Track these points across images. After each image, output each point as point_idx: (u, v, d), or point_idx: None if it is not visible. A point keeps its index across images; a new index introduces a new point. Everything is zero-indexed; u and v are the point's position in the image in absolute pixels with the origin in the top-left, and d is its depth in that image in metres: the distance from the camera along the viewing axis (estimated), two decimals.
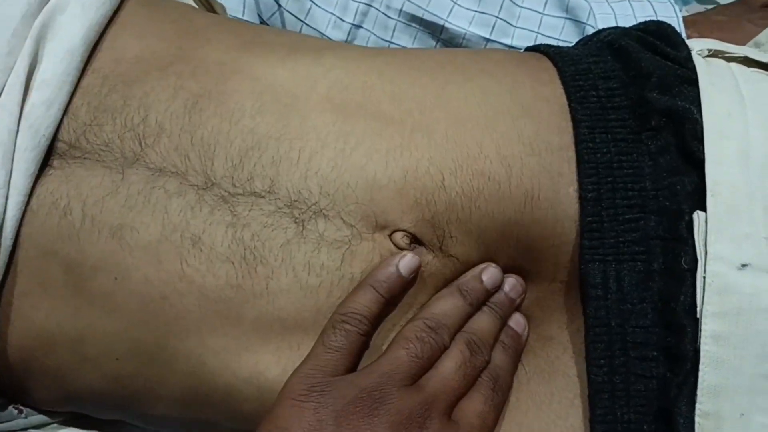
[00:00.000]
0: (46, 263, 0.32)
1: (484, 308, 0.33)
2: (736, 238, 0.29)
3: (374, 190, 0.32)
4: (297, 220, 0.32)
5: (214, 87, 0.33)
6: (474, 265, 0.33)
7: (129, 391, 0.33)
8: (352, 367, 0.31)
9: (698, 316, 0.29)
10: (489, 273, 0.33)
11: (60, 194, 0.32)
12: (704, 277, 0.29)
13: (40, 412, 0.36)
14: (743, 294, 0.29)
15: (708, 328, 0.28)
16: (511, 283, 0.34)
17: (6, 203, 0.31)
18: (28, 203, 0.31)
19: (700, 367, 0.28)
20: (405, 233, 0.32)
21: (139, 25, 0.36)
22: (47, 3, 0.33)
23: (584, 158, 0.32)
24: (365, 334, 0.31)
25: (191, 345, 0.32)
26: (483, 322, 0.33)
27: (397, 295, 0.32)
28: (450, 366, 0.31)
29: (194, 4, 0.46)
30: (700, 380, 0.28)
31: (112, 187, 0.32)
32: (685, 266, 0.30)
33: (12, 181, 0.31)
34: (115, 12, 0.36)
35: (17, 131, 0.31)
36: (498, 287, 0.33)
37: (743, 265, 0.29)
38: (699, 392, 0.28)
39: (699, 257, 0.29)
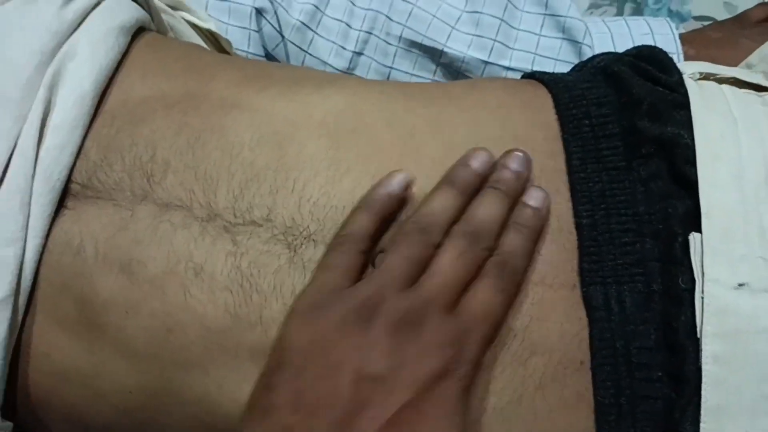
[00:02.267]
0: (62, 301, 0.33)
1: (483, 191, 0.31)
2: (732, 259, 0.30)
3: None
4: (290, 246, 0.32)
5: (216, 121, 0.35)
6: None
7: (139, 423, 0.34)
8: (353, 284, 0.30)
9: (698, 336, 0.29)
10: (476, 154, 0.32)
11: (73, 233, 0.33)
12: (702, 298, 0.29)
13: None
14: (741, 315, 0.29)
15: (708, 348, 0.29)
16: (513, 155, 0.32)
17: (24, 246, 0.32)
18: (44, 244, 0.32)
19: (702, 387, 0.29)
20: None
21: (146, 65, 0.37)
22: (58, 51, 0.34)
23: (577, 188, 0.33)
24: (363, 251, 0.31)
25: (195, 376, 0.32)
26: (480, 207, 0.31)
27: (391, 213, 0.32)
28: (445, 260, 0.30)
29: (202, 42, 0.47)
30: (702, 400, 0.28)
31: (122, 224, 0.33)
32: (684, 286, 0.30)
33: (30, 225, 0.32)
34: (124, 54, 0.37)
35: (33, 176, 0.32)
36: (493, 168, 0.32)
37: (740, 285, 0.29)
38: (702, 412, 0.28)
39: (696, 278, 0.30)
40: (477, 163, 0.32)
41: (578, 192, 0.33)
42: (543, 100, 0.36)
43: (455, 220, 0.31)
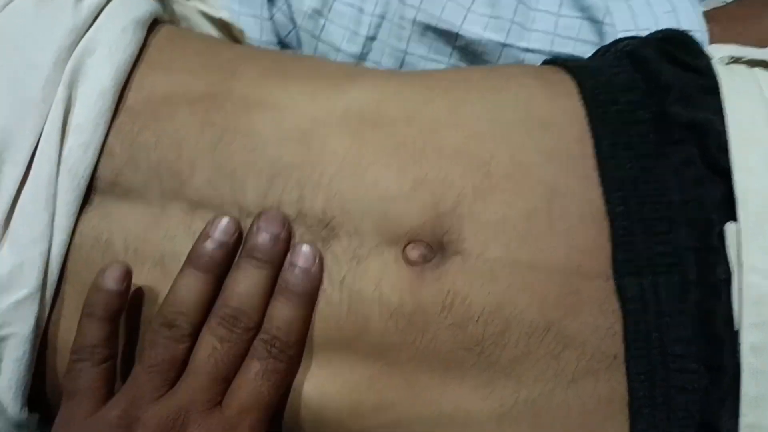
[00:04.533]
0: None
1: (237, 263, 0.30)
2: None
3: (386, 203, 0.32)
4: (323, 240, 0.32)
5: (238, 120, 0.34)
6: (495, 259, 0.30)
7: None
8: (106, 399, 0.29)
9: (736, 327, 0.29)
10: (217, 224, 0.30)
11: (101, 229, 0.33)
12: (740, 289, 0.29)
13: None
14: None
15: (747, 339, 0.28)
16: (264, 216, 0.30)
17: (50, 242, 0.32)
18: (71, 241, 0.33)
19: (742, 378, 0.28)
20: (415, 243, 0.32)
21: (167, 61, 0.37)
22: (76, 47, 0.34)
23: (608, 175, 0.32)
24: (104, 361, 0.30)
25: None
26: (236, 284, 0.29)
27: (117, 311, 0.30)
28: (200, 356, 0.29)
29: (214, 32, 0.47)
30: (742, 393, 0.28)
31: (153, 220, 0.33)
32: (721, 276, 0.30)
33: (55, 222, 0.32)
34: (142, 48, 0.37)
35: (57, 174, 0.32)
36: (239, 236, 0.30)
37: None
38: (741, 404, 0.28)
39: (733, 268, 0.29)
40: (218, 233, 0.30)
41: (609, 179, 0.32)
42: (567, 86, 0.35)
43: (210, 300, 0.30)
